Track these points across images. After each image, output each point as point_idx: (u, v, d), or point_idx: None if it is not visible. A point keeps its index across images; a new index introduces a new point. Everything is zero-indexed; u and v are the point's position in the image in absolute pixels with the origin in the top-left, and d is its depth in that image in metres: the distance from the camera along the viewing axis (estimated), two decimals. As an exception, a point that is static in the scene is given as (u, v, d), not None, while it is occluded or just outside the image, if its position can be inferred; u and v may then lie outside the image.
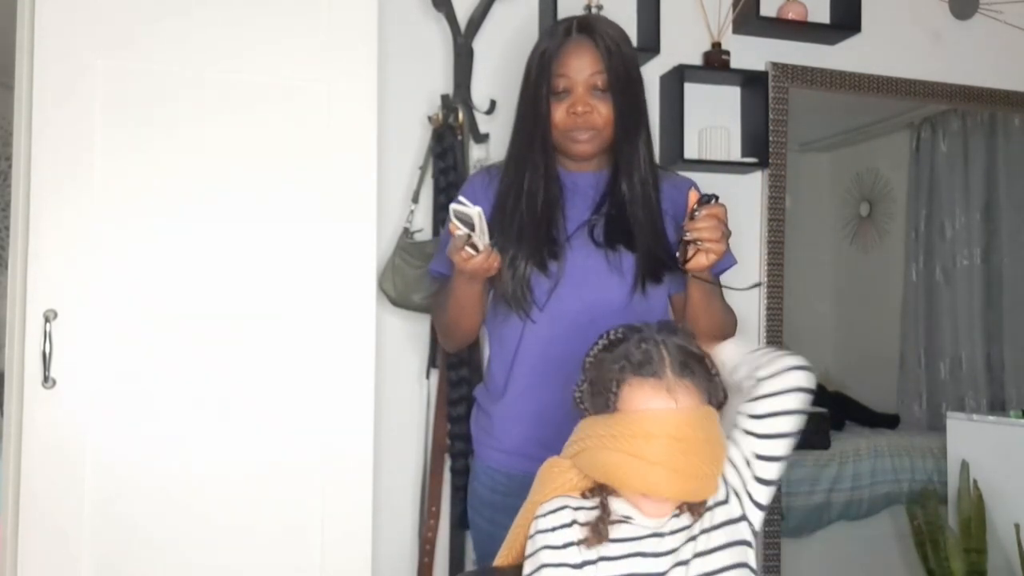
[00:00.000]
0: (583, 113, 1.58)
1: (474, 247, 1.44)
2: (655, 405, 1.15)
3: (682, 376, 1.17)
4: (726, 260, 1.68)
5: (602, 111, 1.59)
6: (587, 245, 1.62)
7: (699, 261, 1.47)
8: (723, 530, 1.20)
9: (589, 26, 1.62)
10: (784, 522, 2.72)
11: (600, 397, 1.21)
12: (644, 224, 1.62)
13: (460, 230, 1.42)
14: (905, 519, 2.84)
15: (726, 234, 1.47)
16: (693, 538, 1.19)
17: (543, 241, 1.60)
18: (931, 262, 3.64)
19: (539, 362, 1.61)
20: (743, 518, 1.21)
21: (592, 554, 1.18)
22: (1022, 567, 2.53)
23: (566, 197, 1.65)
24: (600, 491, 1.22)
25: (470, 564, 2.21)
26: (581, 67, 1.58)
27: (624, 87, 1.60)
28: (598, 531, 1.18)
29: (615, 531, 1.20)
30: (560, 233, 1.62)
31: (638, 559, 1.18)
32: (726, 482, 1.22)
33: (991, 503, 2.71)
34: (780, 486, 2.52)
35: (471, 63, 2.30)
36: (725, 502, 1.21)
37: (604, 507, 1.21)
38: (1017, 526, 2.56)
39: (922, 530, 2.74)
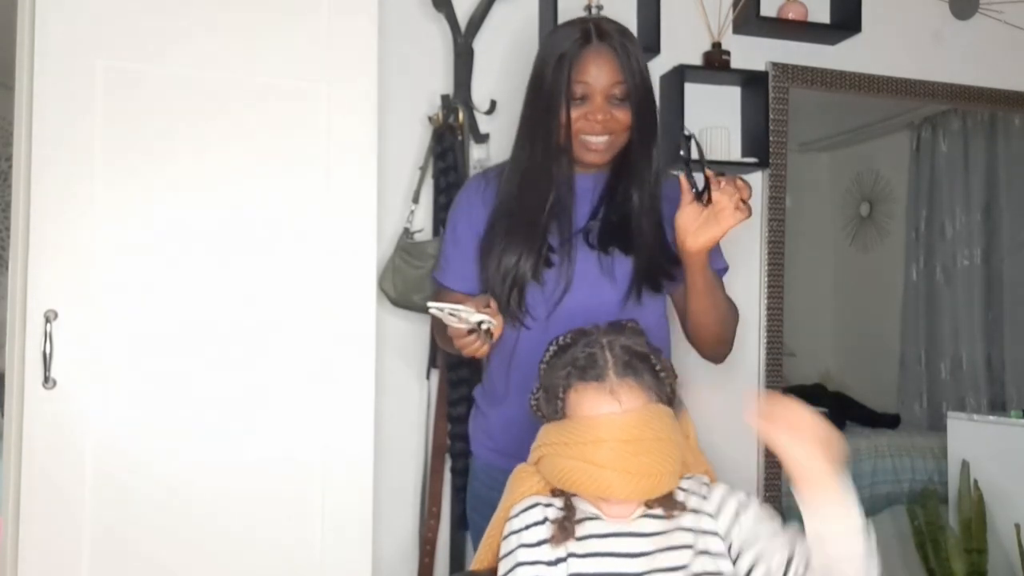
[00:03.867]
0: (603, 121, 1.57)
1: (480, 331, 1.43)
2: (600, 410, 1.18)
3: (625, 376, 1.19)
4: (718, 262, 1.68)
5: (620, 118, 1.58)
6: (582, 249, 1.62)
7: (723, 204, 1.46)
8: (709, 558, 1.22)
9: (607, 33, 1.58)
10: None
11: (551, 404, 1.24)
12: (648, 234, 1.61)
13: (461, 323, 1.40)
14: (905, 519, 2.84)
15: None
16: (676, 548, 1.20)
17: (539, 249, 1.59)
18: (931, 262, 3.64)
19: (536, 367, 1.60)
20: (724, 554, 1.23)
21: (562, 551, 1.20)
22: (1022, 567, 2.53)
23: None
24: (565, 492, 1.24)
25: (471, 564, 2.21)
26: (600, 75, 1.56)
27: (642, 98, 1.58)
28: (564, 528, 1.20)
29: (583, 529, 1.21)
30: (557, 240, 1.61)
31: (609, 559, 1.19)
32: (730, 544, 1.23)
33: (991, 503, 2.71)
34: (781, 487, 2.54)
35: (471, 63, 2.30)
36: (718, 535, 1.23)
37: (569, 507, 1.23)
38: (1017, 526, 2.56)
39: (922, 530, 2.73)
